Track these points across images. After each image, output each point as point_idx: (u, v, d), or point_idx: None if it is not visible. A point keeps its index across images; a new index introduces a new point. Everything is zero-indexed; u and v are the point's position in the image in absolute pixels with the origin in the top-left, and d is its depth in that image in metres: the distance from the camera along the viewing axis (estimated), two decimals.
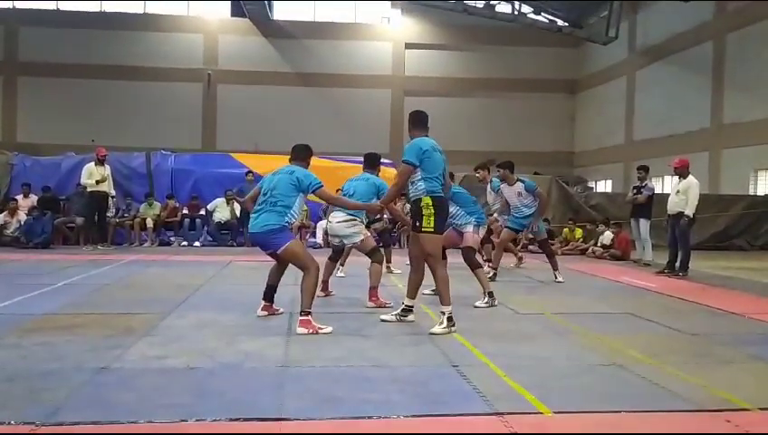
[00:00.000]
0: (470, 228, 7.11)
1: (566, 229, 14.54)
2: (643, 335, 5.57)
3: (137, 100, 28.45)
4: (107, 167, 13.12)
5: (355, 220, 6.88)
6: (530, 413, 3.48)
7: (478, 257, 7.58)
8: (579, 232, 14.34)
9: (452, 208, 6.68)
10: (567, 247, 13.79)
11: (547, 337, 5.42)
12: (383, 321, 5.82)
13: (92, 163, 13.00)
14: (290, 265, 5.95)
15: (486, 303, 6.78)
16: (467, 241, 7.08)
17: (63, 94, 28.20)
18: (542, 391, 3.81)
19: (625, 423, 3.40)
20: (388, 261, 9.56)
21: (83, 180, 12.92)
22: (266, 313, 6.05)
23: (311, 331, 5.33)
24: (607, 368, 4.44)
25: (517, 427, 3.26)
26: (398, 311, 5.91)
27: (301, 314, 5.45)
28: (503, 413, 3.43)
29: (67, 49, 28.14)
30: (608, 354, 4.81)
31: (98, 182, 12.81)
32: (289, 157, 6.12)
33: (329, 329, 5.42)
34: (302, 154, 6.09)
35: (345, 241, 7.10)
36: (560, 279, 8.96)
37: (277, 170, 5.95)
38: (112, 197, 13.55)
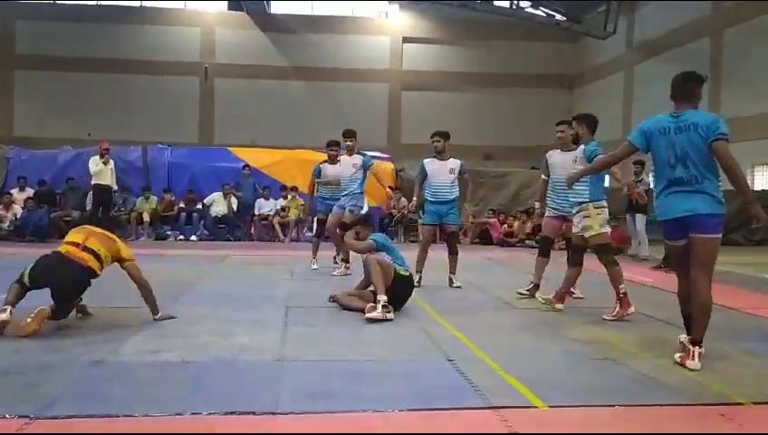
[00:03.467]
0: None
1: None
2: (638, 329, 5.57)
3: (134, 93, 28.37)
4: (111, 161, 13.14)
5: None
6: (525, 407, 3.48)
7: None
8: None
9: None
10: (563, 241, 13.74)
11: (542, 331, 5.43)
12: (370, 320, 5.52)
13: (98, 156, 13.08)
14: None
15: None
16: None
17: (60, 88, 28.11)
18: (538, 384, 3.81)
19: (620, 417, 3.41)
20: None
21: (92, 170, 12.96)
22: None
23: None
24: (602, 362, 4.45)
25: (512, 421, 3.26)
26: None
27: (693, 344, 4.34)
28: (498, 407, 3.43)
29: (64, 42, 28.06)
30: (603, 348, 4.82)
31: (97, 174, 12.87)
32: None
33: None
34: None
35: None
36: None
37: (666, 123, 4.40)
38: (115, 191, 13.57)
